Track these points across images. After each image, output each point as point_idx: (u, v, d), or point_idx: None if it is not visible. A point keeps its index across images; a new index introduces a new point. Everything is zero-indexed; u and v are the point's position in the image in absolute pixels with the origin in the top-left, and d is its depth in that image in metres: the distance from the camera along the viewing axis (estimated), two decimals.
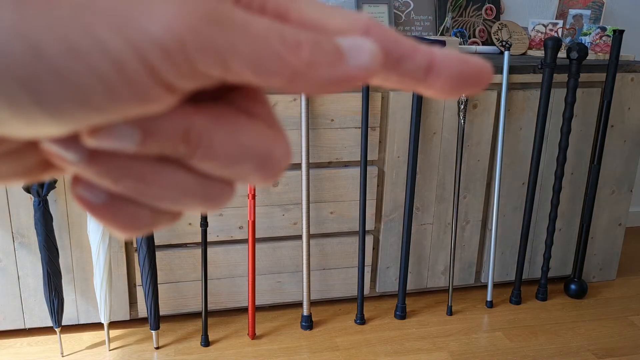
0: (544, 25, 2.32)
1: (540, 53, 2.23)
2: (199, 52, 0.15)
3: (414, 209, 1.98)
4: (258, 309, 1.99)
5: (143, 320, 1.89)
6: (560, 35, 2.33)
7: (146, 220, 0.19)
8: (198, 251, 1.85)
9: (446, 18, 2.33)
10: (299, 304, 2.00)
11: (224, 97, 0.19)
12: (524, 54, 2.29)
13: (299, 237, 1.92)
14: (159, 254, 1.81)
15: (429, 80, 0.19)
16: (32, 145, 0.18)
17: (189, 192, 0.19)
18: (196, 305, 1.91)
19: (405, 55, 0.18)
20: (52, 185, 1.64)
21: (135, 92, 0.15)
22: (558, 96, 2.01)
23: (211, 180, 0.19)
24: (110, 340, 1.81)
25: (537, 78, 1.98)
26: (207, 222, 1.80)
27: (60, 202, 1.72)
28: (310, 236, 1.89)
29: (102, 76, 0.15)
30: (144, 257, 1.72)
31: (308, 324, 1.94)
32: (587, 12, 2.37)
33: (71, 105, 0.15)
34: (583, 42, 2.26)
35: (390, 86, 0.19)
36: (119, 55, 0.15)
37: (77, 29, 0.15)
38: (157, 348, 1.82)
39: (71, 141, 0.17)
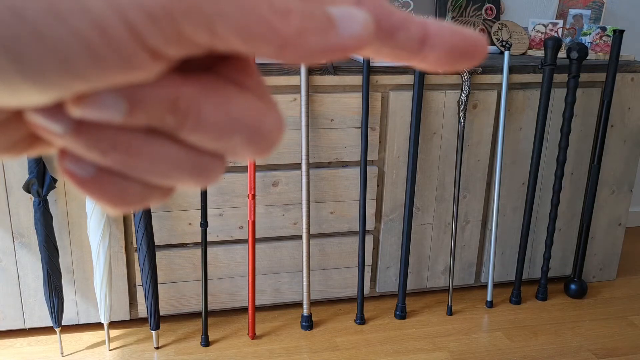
0: (544, 25, 2.32)
1: (540, 53, 2.23)
2: (185, 16, 0.15)
3: (414, 209, 1.98)
4: (258, 309, 1.99)
5: (143, 320, 1.89)
6: (560, 35, 2.33)
7: (136, 195, 0.19)
8: (198, 251, 1.85)
9: (446, 18, 2.33)
10: (299, 304, 2.00)
11: (213, 69, 0.18)
12: (524, 54, 2.29)
13: (299, 237, 1.92)
14: (159, 254, 1.81)
15: (423, 53, 0.18)
16: (17, 118, 0.18)
17: (178, 166, 0.18)
18: (196, 305, 1.91)
19: (398, 27, 0.18)
20: (52, 185, 1.64)
21: (119, 58, 0.15)
22: (558, 96, 2.01)
23: (201, 154, 0.18)
24: (110, 340, 1.81)
25: (537, 78, 1.98)
26: (207, 222, 1.80)
27: (60, 202, 1.72)
28: (310, 236, 1.89)
29: (84, 40, 0.14)
30: (144, 257, 1.72)
31: (308, 324, 1.94)
32: (587, 12, 2.37)
33: (53, 70, 0.15)
34: (583, 42, 2.26)
35: (384, 59, 0.19)
36: (101, 17, 0.14)
37: None
38: (157, 348, 1.82)
39: (56, 112, 0.17)
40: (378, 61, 1.86)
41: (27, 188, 1.62)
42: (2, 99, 0.15)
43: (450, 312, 2.06)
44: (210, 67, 0.18)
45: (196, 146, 0.18)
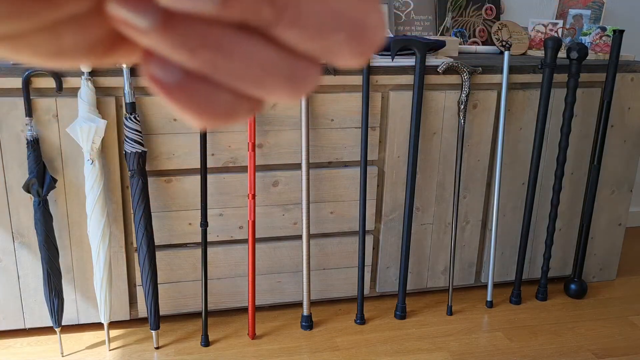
0: (544, 25, 2.32)
1: (540, 53, 2.23)
2: None
3: (414, 209, 1.98)
4: (258, 309, 1.99)
5: (143, 320, 1.89)
6: (560, 35, 2.33)
7: (225, 105, 0.17)
8: (198, 251, 1.85)
9: (446, 18, 2.33)
10: (299, 304, 2.00)
11: None
12: (524, 54, 2.29)
13: (299, 237, 1.92)
14: (159, 254, 1.81)
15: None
16: (98, 13, 0.16)
17: (272, 70, 0.16)
18: (196, 305, 1.91)
19: None
20: (52, 185, 1.64)
21: None
22: (558, 96, 2.01)
23: (296, 56, 0.17)
24: (110, 340, 1.81)
25: (537, 78, 1.98)
26: (207, 222, 1.80)
27: (60, 202, 1.72)
28: (310, 236, 1.89)
29: None
30: (144, 257, 1.72)
31: (308, 324, 1.94)
32: (587, 12, 2.37)
33: None
34: (583, 42, 2.26)
35: None
36: None
37: None
38: (157, 348, 1.82)
39: (142, 3, 0.15)
40: (379, 61, 1.85)
41: (27, 188, 1.62)
42: None
43: (450, 312, 2.06)
44: None
45: (291, 47, 0.16)
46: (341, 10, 0.16)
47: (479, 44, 2.35)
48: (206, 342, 1.84)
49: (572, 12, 2.40)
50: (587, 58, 2.02)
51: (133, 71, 1.64)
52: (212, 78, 0.17)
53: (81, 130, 1.58)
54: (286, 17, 0.15)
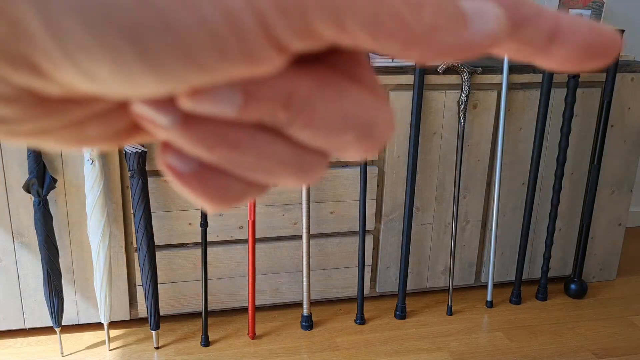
0: None
1: None
2: (316, 9, 0.14)
3: (414, 209, 1.98)
4: (258, 309, 1.99)
5: (143, 320, 1.89)
6: None
7: (236, 192, 0.18)
8: (198, 251, 1.85)
9: None
10: (299, 304, 2.00)
11: (324, 59, 0.17)
12: None
13: (299, 237, 1.92)
14: (159, 254, 1.81)
15: (552, 49, 0.16)
16: (121, 108, 0.17)
17: (283, 163, 0.17)
18: (196, 305, 1.91)
19: (527, 20, 0.16)
20: (52, 185, 1.64)
21: (245, 51, 0.14)
22: (558, 96, 2.01)
23: (307, 151, 0.18)
24: (110, 340, 1.81)
25: (537, 78, 1.98)
26: (207, 222, 1.80)
27: (60, 202, 1.72)
28: (310, 236, 1.89)
29: (212, 30, 0.14)
30: (144, 257, 1.72)
31: (308, 324, 1.94)
32: (587, 12, 2.37)
33: (176, 61, 0.14)
34: None
35: (507, 55, 0.17)
36: (233, 7, 0.14)
37: None
38: (157, 348, 1.82)
39: (165, 104, 0.16)
40: (379, 61, 1.86)
41: (27, 188, 1.62)
42: (118, 89, 0.15)
43: (450, 312, 2.06)
44: (323, 58, 0.17)
45: (303, 143, 0.17)
46: (352, 112, 0.17)
47: None
48: (206, 342, 1.84)
49: (572, 12, 2.40)
50: None
51: None
52: (226, 169, 0.17)
53: None
54: (300, 120, 0.16)
